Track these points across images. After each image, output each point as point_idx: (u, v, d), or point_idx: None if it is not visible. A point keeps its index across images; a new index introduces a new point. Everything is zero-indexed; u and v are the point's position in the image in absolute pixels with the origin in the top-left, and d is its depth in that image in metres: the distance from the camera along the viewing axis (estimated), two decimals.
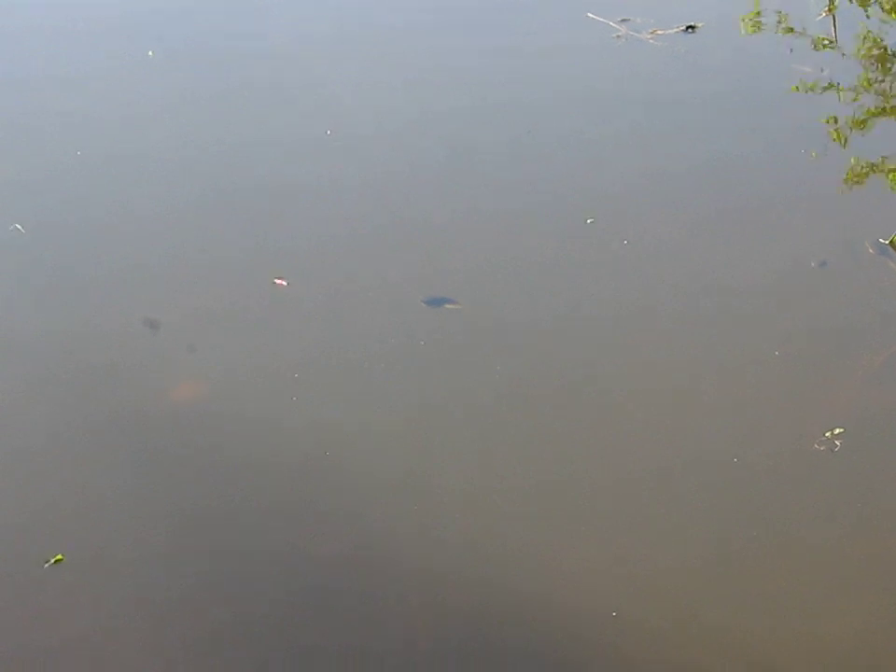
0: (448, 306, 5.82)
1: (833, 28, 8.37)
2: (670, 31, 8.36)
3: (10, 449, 5.16)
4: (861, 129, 7.43)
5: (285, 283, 6.11)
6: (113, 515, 4.82)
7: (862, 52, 8.16)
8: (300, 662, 4.29)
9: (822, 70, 7.87)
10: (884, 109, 7.62)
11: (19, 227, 6.59)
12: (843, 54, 8.12)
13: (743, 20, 8.40)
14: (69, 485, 4.96)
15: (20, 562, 4.57)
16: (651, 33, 8.33)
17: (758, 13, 8.52)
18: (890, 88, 7.83)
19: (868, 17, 8.52)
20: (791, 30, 8.35)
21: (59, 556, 4.56)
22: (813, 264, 6.08)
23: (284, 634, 4.35)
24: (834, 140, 7.29)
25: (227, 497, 4.92)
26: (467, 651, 4.26)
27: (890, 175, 6.96)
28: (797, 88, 7.69)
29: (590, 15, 8.53)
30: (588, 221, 6.48)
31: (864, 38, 8.22)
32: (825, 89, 7.75)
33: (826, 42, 8.24)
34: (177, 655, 4.31)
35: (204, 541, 4.74)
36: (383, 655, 4.26)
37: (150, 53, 8.38)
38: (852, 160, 7.02)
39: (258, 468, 5.06)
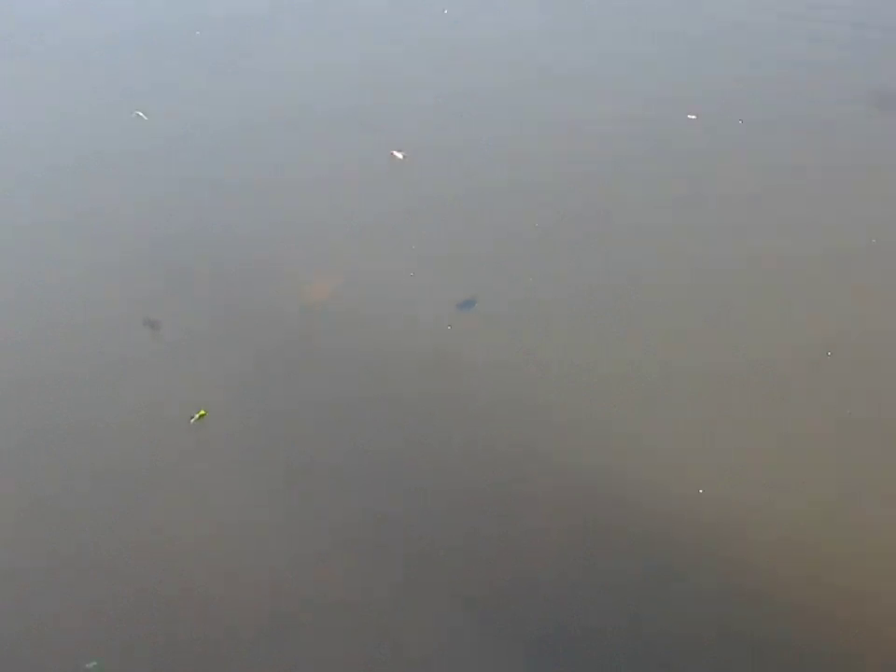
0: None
1: None
2: None
3: (168, 334, 5.41)
4: None
5: (401, 156, 6.18)
6: (251, 384, 5.04)
7: None
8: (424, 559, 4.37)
9: None
10: None
11: (141, 114, 6.71)
12: None
13: None
14: (214, 362, 5.21)
15: (170, 419, 4.85)
16: None
17: None
18: None
19: None
20: None
21: (202, 412, 4.81)
22: None
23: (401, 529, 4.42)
24: None
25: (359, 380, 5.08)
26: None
27: None
28: None
29: None
30: (690, 116, 6.54)
31: None
32: None
33: None
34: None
35: (334, 431, 4.83)
36: (516, 542, 4.37)
37: None
38: None
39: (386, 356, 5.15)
